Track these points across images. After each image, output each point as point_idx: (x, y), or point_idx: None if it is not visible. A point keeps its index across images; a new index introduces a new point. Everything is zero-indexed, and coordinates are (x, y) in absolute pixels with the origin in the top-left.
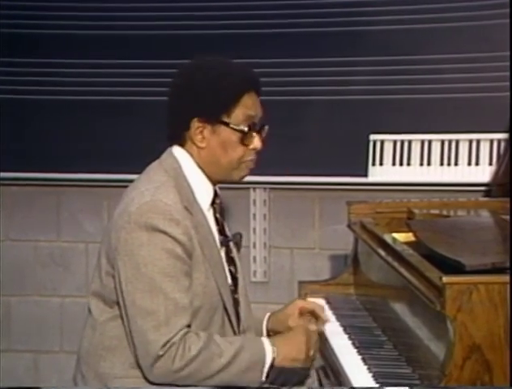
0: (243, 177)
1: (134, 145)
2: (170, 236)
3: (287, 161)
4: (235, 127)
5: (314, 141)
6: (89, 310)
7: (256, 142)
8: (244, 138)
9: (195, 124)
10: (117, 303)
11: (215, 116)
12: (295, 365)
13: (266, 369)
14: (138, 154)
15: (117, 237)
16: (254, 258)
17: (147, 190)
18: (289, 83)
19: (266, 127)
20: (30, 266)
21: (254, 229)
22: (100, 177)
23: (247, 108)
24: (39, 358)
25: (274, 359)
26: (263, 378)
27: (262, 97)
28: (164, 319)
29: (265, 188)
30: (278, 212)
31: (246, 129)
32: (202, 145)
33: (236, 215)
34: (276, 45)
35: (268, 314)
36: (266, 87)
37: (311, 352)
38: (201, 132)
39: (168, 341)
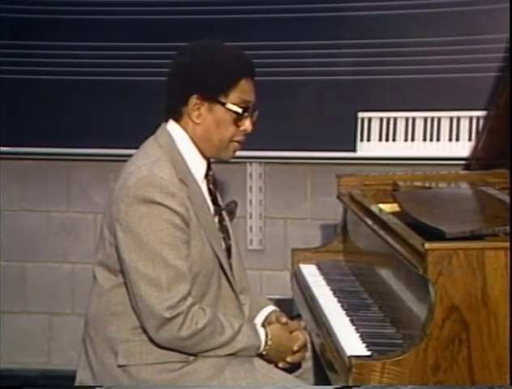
0: (230, 157)
1: (138, 122)
2: (168, 207)
3: (281, 137)
4: (230, 108)
5: (307, 119)
6: (94, 278)
7: (247, 124)
8: (237, 119)
9: (194, 100)
10: (121, 271)
11: (213, 95)
12: (275, 359)
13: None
14: (142, 131)
15: (117, 209)
16: (251, 227)
17: (144, 164)
18: (284, 65)
19: (257, 112)
20: (43, 234)
21: (251, 201)
22: (106, 152)
23: (243, 92)
24: (52, 319)
25: (264, 348)
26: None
27: (261, 78)
28: (166, 285)
29: (260, 162)
30: (272, 185)
31: (240, 111)
32: (198, 121)
33: (233, 187)
34: (273, 30)
35: (273, 309)
36: (264, 68)
37: (295, 356)
38: (198, 109)
39: (171, 306)
